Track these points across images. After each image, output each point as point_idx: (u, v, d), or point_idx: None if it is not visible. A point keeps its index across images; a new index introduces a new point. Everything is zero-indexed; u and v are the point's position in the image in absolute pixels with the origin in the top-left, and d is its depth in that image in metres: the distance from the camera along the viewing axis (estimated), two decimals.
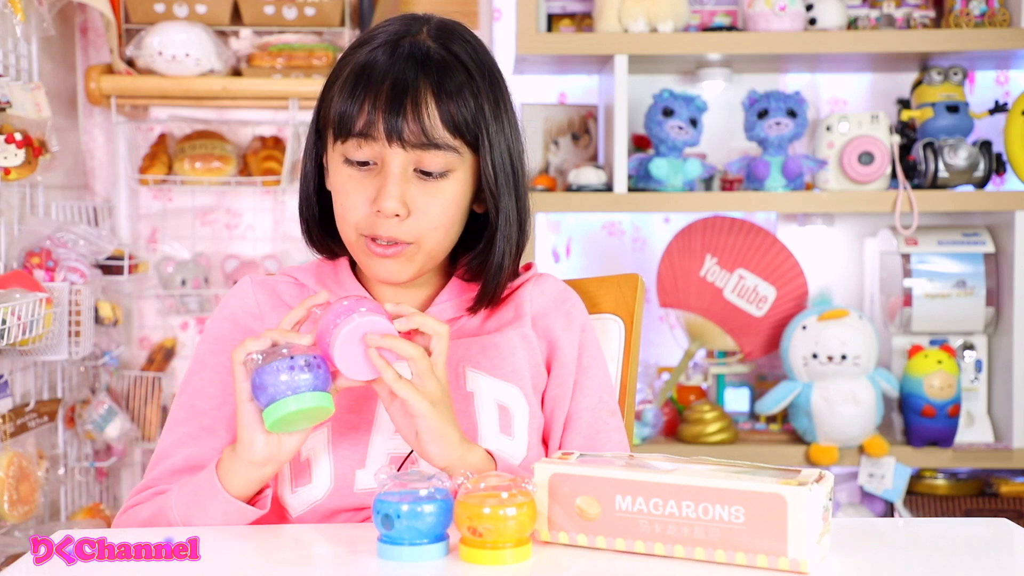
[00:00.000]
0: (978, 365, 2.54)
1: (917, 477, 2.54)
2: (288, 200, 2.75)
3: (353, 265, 1.31)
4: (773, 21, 2.44)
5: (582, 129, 2.71)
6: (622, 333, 1.45)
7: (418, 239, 1.20)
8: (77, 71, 2.65)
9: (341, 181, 1.20)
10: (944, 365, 2.41)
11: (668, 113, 2.45)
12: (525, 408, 1.26)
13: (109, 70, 2.55)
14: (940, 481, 2.54)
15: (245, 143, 2.75)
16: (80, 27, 2.66)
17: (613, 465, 1.01)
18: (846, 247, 2.74)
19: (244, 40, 2.71)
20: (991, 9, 2.44)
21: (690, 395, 2.63)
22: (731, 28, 2.55)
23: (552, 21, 2.61)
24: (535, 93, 2.77)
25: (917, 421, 2.43)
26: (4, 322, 1.85)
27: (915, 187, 2.47)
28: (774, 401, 2.50)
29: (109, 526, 1.97)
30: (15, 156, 1.96)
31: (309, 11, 2.61)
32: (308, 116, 1.66)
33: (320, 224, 1.29)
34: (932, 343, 2.53)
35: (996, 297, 2.51)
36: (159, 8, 2.59)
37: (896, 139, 2.48)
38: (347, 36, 2.67)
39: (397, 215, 1.17)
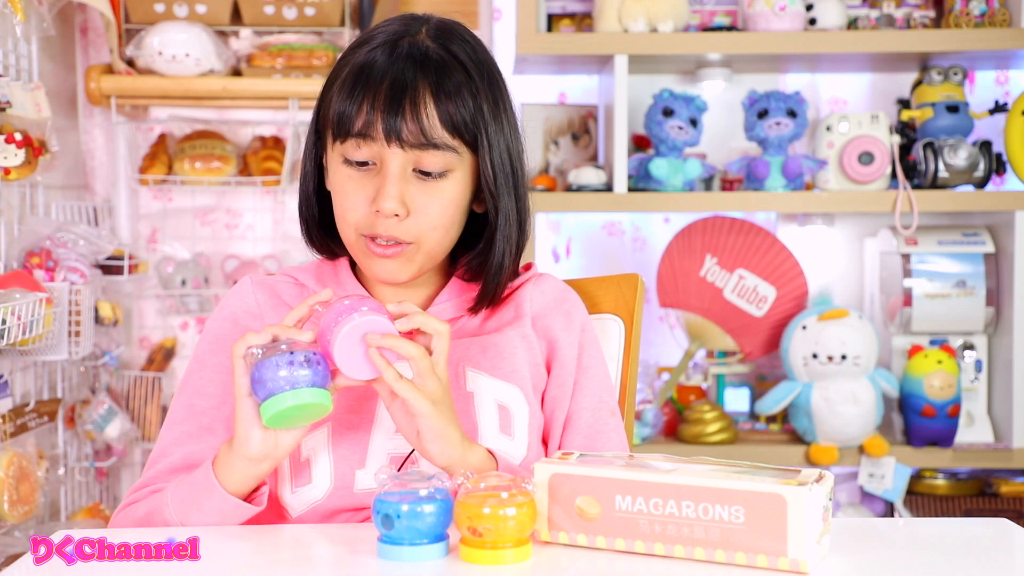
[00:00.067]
0: (978, 365, 2.54)
1: (917, 477, 2.54)
2: (288, 200, 2.75)
3: (353, 265, 1.31)
4: (773, 21, 2.44)
5: (582, 129, 2.71)
6: (622, 333, 1.45)
7: (417, 239, 1.20)
8: (77, 71, 2.65)
9: (340, 181, 1.21)
10: (944, 365, 2.41)
11: (668, 113, 2.45)
12: (525, 408, 1.26)
13: (109, 70, 2.55)
14: (940, 481, 2.54)
15: (245, 143, 2.75)
16: (80, 27, 2.66)
17: (613, 465, 1.01)
18: (846, 247, 2.74)
19: (244, 40, 2.71)
20: (991, 9, 2.44)
21: (690, 395, 2.63)
22: (731, 28, 2.55)
23: (552, 21, 2.61)
24: (535, 93, 2.77)
25: (917, 421, 2.43)
26: (4, 322, 1.85)
27: (915, 187, 2.47)
28: (774, 401, 2.50)
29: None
30: (15, 156, 1.96)
31: (309, 11, 2.61)
32: (308, 116, 1.66)
33: (320, 224, 1.29)
34: (932, 343, 2.53)
35: (996, 297, 2.51)
36: (159, 8, 2.59)
37: (896, 139, 2.48)
38: (347, 36, 2.67)
39: (396, 215, 1.17)
